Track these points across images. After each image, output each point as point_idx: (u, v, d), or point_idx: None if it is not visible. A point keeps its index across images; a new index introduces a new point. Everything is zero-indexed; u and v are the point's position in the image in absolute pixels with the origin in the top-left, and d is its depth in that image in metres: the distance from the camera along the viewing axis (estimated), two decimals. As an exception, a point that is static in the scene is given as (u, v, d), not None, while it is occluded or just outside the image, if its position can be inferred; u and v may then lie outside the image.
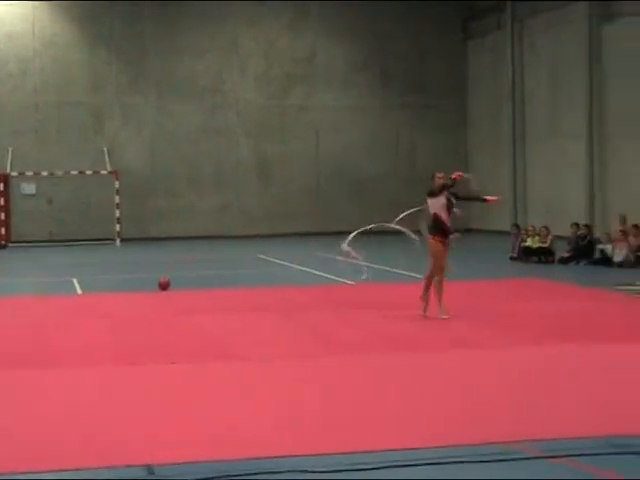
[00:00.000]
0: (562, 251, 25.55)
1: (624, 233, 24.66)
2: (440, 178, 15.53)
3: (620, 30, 30.76)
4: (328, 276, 22.02)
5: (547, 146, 35.01)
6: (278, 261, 26.71)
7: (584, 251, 25.08)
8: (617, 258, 23.92)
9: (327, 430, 8.47)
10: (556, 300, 17.79)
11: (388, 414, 9.01)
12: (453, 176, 15.58)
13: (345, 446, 7.89)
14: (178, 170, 38.32)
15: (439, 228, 15.43)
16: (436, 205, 15.46)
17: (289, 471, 7.18)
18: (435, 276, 15.48)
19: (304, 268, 24.32)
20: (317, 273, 22.95)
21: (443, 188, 15.43)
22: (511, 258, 26.37)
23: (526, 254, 25.82)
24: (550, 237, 25.83)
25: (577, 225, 26.40)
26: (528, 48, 35.98)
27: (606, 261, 24.31)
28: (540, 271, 23.47)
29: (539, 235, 25.99)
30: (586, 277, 21.72)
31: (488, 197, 16.35)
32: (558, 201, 34.15)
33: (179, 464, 7.45)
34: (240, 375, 11.06)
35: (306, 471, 7.16)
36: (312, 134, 39.75)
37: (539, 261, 25.54)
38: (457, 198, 15.74)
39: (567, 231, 26.57)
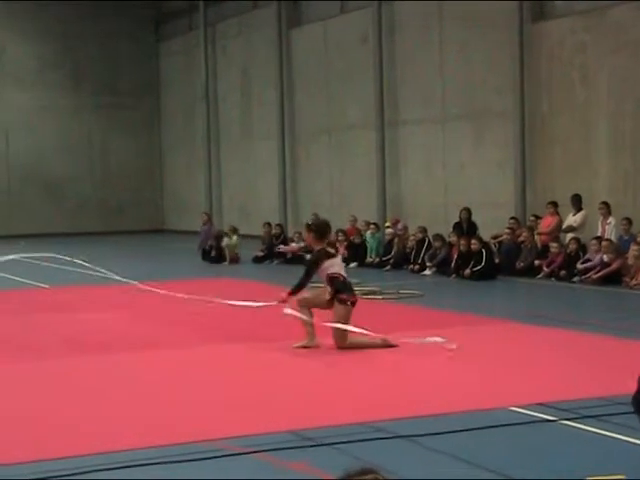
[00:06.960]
0: (257, 250, 26.15)
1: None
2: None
3: (307, 34, 31.79)
4: (22, 280, 21.58)
5: (240, 147, 35.65)
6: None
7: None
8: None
9: None
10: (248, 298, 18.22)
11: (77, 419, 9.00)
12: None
13: None
14: None
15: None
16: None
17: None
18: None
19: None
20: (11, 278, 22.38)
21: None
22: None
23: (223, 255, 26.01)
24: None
25: (269, 225, 27.01)
26: (220, 51, 36.48)
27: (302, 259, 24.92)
28: (234, 271, 23.93)
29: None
30: (279, 276, 22.21)
31: None
32: (252, 201, 34.86)
33: None
34: None
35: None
36: (1, 134, 38.63)
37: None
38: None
39: (261, 230, 27.22)
